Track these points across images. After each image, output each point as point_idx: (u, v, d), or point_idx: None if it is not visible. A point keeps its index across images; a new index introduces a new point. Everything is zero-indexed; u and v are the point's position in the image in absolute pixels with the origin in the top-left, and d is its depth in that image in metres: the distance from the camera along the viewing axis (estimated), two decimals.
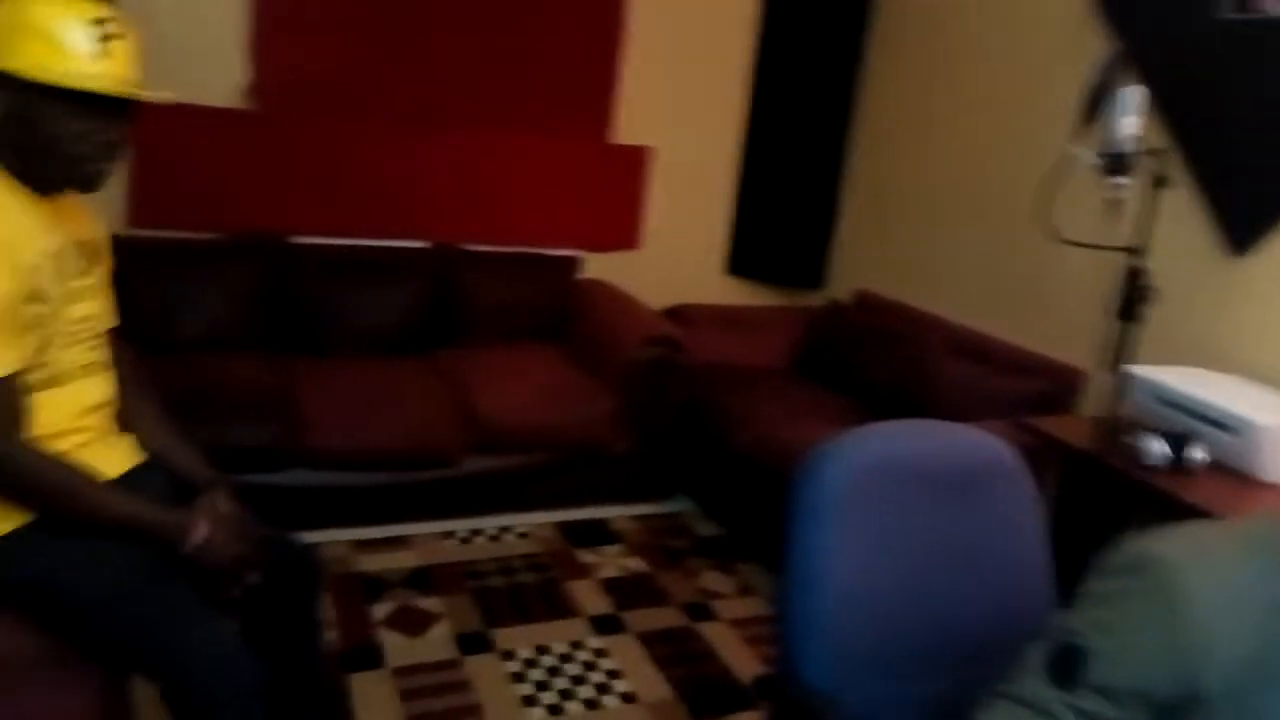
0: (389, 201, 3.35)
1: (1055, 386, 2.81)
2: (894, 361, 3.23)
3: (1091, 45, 2.77)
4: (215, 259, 3.03)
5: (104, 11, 1.31)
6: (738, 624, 2.64)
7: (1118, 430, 2.16)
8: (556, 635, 2.49)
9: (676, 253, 3.94)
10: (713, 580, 2.87)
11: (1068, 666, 0.92)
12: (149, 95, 1.32)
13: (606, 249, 3.81)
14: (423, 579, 2.68)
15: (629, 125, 3.70)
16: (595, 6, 3.51)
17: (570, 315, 3.54)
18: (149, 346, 2.45)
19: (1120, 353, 2.04)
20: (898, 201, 3.64)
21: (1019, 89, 3.10)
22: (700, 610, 2.69)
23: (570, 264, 3.64)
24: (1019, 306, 3.08)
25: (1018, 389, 2.83)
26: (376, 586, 2.61)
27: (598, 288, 3.61)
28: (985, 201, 3.22)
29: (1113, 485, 2.17)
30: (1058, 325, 2.92)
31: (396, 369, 3.09)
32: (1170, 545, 0.91)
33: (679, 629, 2.58)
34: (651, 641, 2.50)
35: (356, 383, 2.93)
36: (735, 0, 3.78)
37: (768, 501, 2.93)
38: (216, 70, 3.02)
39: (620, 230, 3.82)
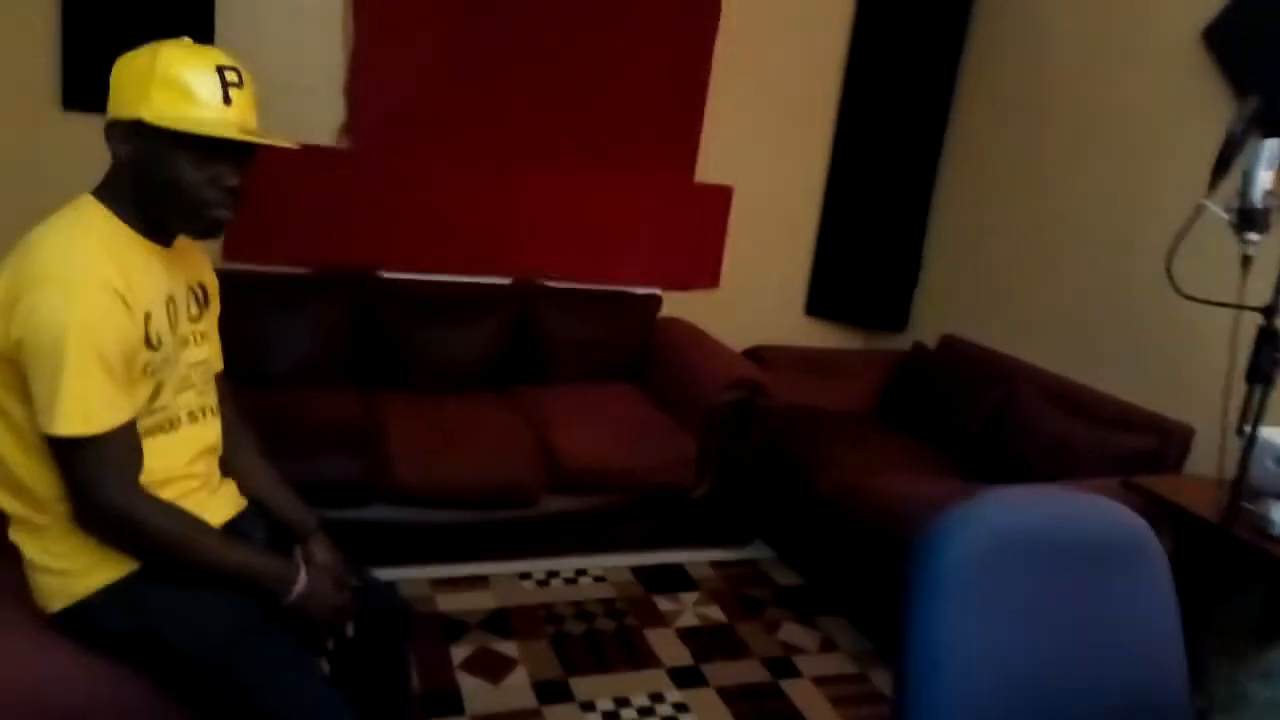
0: (474, 237, 3.38)
1: (1161, 445, 2.67)
2: (984, 410, 3.12)
3: (1212, 88, 2.66)
4: (306, 292, 3.07)
5: (227, 60, 1.33)
6: (822, 682, 2.55)
7: (1240, 496, 2.03)
8: (636, 686, 2.43)
9: (755, 292, 3.90)
10: (793, 633, 2.78)
11: None
12: (274, 141, 1.33)
13: (686, 287, 3.78)
14: (500, 622, 2.65)
15: (710, 163, 3.68)
16: (681, 46, 3.51)
17: (650, 355, 3.51)
18: (240, 378, 2.49)
19: (1246, 415, 1.92)
20: (989, 243, 3.54)
21: (1130, 129, 2.99)
22: (782, 666, 2.60)
23: (652, 302, 3.61)
24: (1122, 358, 2.95)
25: (1120, 445, 2.71)
26: (455, 628, 2.58)
27: (678, 327, 3.58)
28: (1089, 247, 3.11)
29: (1233, 554, 2.04)
30: (1165, 380, 2.78)
31: (478, 405, 3.09)
32: None
33: (761, 685, 2.50)
34: (733, 698, 2.43)
35: (439, 419, 2.93)
36: (823, 37, 3.75)
37: (851, 552, 2.85)
38: (314, 109, 3.08)
39: (700, 269, 3.79)
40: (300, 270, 3.15)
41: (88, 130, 2.86)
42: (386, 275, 3.27)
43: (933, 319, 3.77)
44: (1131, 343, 2.92)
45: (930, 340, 3.67)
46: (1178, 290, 1.83)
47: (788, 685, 2.51)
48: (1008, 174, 3.47)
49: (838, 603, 2.94)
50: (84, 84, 2.87)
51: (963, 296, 3.65)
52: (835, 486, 2.93)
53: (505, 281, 3.43)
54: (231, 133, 1.28)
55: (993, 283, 3.50)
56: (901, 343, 3.83)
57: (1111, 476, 2.55)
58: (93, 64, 2.85)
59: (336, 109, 3.13)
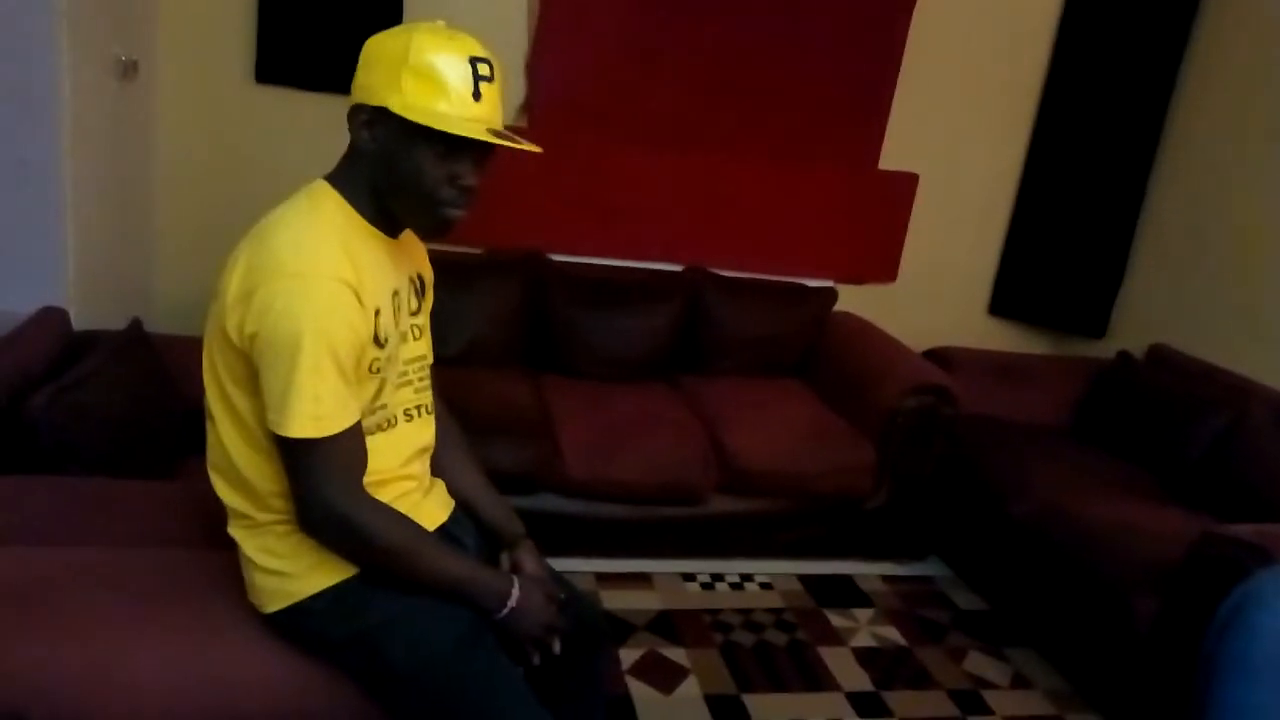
0: (647, 223, 3.27)
1: None
2: (1207, 432, 2.80)
3: None
4: (477, 273, 3.03)
5: (481, 50, 1.23)
6: None
7: None
8: (814, 710, 2.28)
9: (934, 288, 3.64)
10: (980, 664, 2.56)
11: None
12: (522, 145, 1.23)
13: (860, 281, 3.56)
14: (667, 625, 2.54)
15: (896, 148, 3.43)
16: (872, 26, 3.26)
17: (823, 351, 3.31)
18: None
19: None
20: (1213, 246, 3.16)
21: None
22: (971, 701, 2.40)
23: (827, 297, 3.41)
24: None
25: None
26: (622, 628, 2.50)
27: (852, 323, 3.37)
28: None
29: None
30: None
31: (646, 397, 2.98)
32: None
33: None
34: None
35: (608, 410, 2.84)
36: (1029, 19, 3.43)
37: (1049, 580, 2.60)
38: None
39: (877, 261, 3.56)
40: (472, 250, 3.11)
41: (278, 103, 2.93)
42: (557, 258, 3.19)
43: (1138, 326, 3.41)
44: None
45: (1135, 349, 3.33)
46: None
47: None
48: (1240, 170, 3.09)
49: (1028, 633, 2.70)
50: (276, 59, 2.89)
51: (1177, 302, 3.28)
52: (1032, 507, 2.68)
53: (676, 269, 3.31)
54: (480, 134, 1.17)
55: (1216, 290, 3.14)
56: (1098, 350, 3.50)
57: None
58: (285, 40, 2.89)
59: (516, 87, 3.06)
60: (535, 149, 1.25)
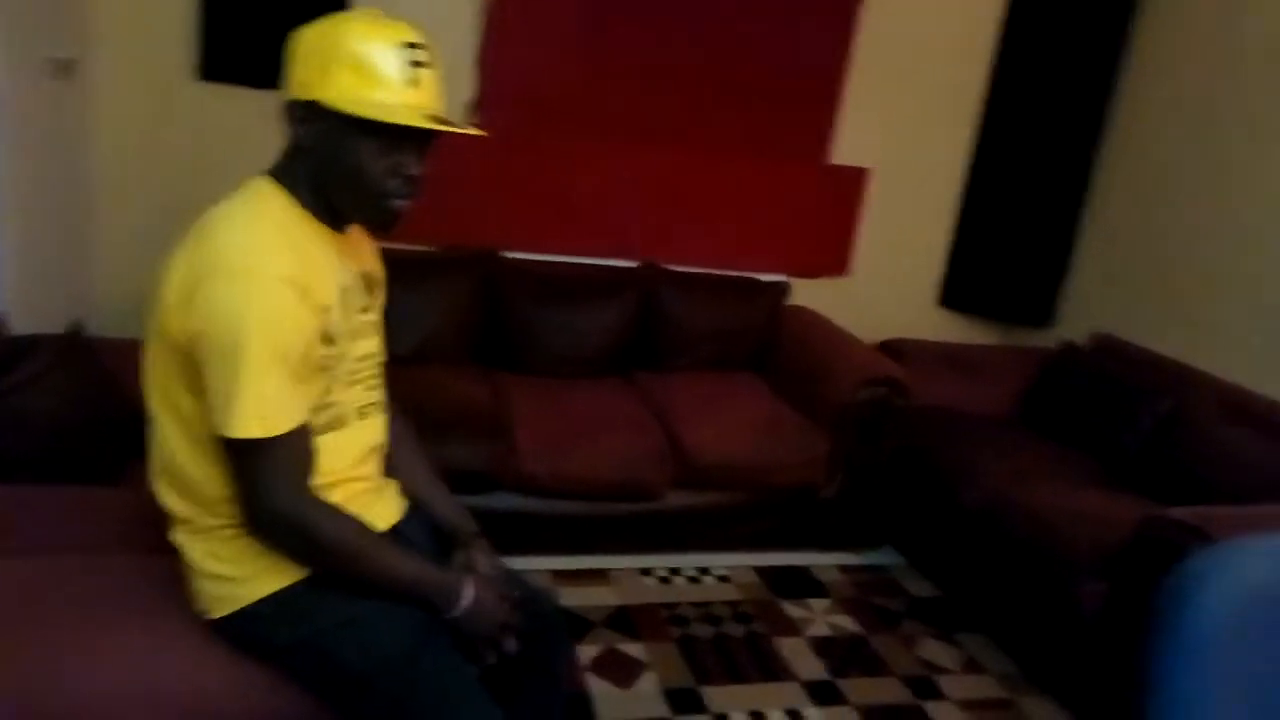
0: (601, 220, 3.27)
1: None
2: (1148, 420, 2.87)
3: None
4: (431, 271, 3.01)
5: (415, 36, 1.22)
6: (968, 707, 2.38)
7: None
8: (771, 699, 2.30)
9: (886, 281, 3.69)
10: (933, 650, 2.61)
11: None
12: (464, 128, 1.23)
13: (814, 275, 3.60)
14: (625, 620, 2.55)
15: (847, 144, 3.47)
16: (821, 24, 3.30)
17: (776, 345, 3.34)
18: None
19: None
20: (1156, 237, 3.24)
21: None
22: (924, 686, 2.44)
23: (780, 290, 3.45)
24: None
25: None
26: (580, 625, 2.50)
27: (806, 316, 3.41)
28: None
29: None
30: None
31: (603, 394, 2.99)
32: None
33: (904, 706, 2.35)
34: (874, 718, 2.28)
35: (565, 407, 2.84)
36: (974, 16, 3.49)
37: (998, 566, 2.66)
38: (443, 82, 2.99)
39: (830, 256, 3.60)
40: (425, 248, 3.08)
41: (222, 101, 2.87)
42: (511, 256, 3.18)
43: (1083, 316, 3.49)
44: None
45: (1079, 338, 3.41)
46: None
47: (931, 708, 2.36)
48: (1180, 162, 3.17)
49: (979, 619, 2.76)
50: (222, 56, 2.84)
51: (1120, 293, 3.36)
52: (982, 495, 2.74)
53: (631, 265, 3.31)
54: (419, 120, 1.16)
55: (1158, 280, 3.22)
56: (1044, 339, 3.58)
57: None
58: (229, 36, 2.83)
59: (466, 84, 3.04)
60: (479, 133, 1.25)
